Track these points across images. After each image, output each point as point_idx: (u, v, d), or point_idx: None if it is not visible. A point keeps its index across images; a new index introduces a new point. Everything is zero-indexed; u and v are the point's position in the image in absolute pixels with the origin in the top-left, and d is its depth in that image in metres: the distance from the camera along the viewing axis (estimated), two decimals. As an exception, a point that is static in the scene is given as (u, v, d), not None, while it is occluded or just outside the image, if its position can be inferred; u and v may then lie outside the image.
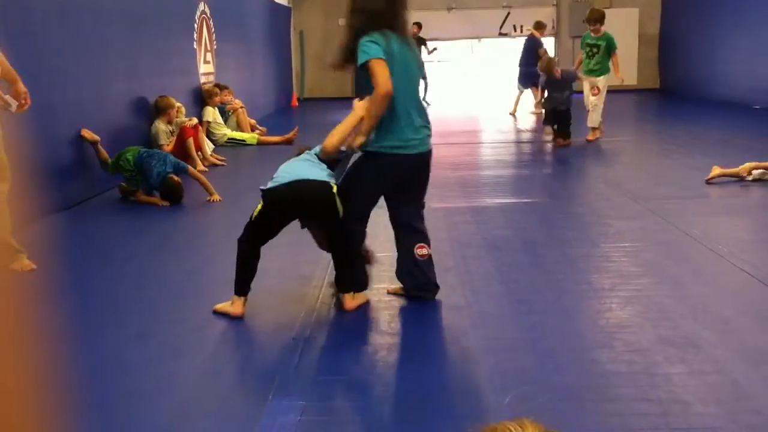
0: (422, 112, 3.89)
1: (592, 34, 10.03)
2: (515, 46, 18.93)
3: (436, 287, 3.98)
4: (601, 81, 10.03)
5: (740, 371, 3.04)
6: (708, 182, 6.91)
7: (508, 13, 18.97)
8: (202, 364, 3.26)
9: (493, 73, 18.32)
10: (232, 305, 3.77)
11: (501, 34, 19.17)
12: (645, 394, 2.85)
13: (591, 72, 10.08)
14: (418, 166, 3.86)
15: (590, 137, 9.95)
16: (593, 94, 10.01)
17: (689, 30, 17.24)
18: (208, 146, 9.30)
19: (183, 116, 8.81)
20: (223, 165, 8.83)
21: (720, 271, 4.43)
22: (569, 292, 4.13)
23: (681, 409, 2.72)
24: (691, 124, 11.89)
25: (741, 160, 7.27)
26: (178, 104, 8.86)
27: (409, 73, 3.82)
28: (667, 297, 3.97)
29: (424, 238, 3.96)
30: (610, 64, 10.02)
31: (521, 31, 19.09)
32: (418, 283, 3.94)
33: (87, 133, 6.82)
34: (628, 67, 18.39)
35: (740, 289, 4.10)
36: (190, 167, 6.89)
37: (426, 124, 3.87)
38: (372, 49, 3.63)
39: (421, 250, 3.92)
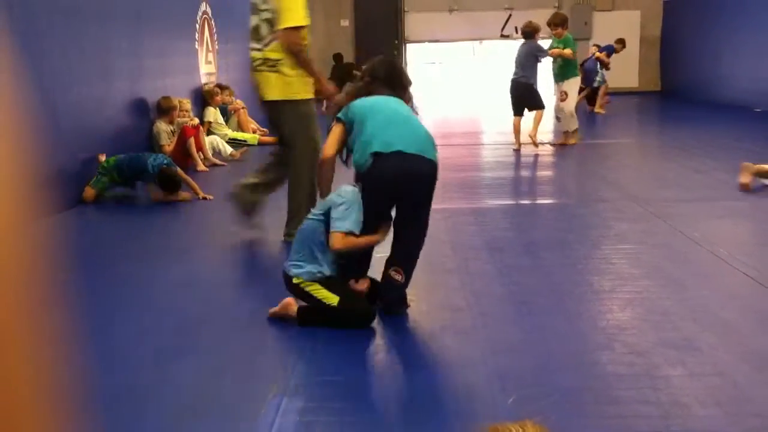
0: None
1: (556, 38, 9.95)
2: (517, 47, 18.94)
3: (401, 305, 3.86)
4: (566, 85, 9.94)
5: (741, 374, 3.04)
6: (744, 188, 6.63)
7: (510, 15, 18.98)
8: (204, 363, 3.26)
9: (494, 75, 18.37)
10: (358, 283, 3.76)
11: (503, 36, 19.19)
12: (645, 397, 2.85)
13: (556, 77, 10.00)
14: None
15: (566, 142, 9.85)
16: (561, 100, 9.91)
17: (691, 32, 17.25)
18: (225, 147, 9.33)
19: (189, 107, 8.90)
20: (224, 165, 8.84)
21: (720, 273, 4.43)
22: (570, 294, 4.14)
23: (681, 412, 2.72)
24: (692, 127, 11.89)
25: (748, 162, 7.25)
26: (184, 99, 8.93)
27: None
28: (668, 299, 3.97)
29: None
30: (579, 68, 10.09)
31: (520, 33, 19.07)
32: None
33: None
34: (629, 69, 18.43)
35: (741, 292, 4.10)
36: (178, 169, 6.85)
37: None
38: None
39: (396, 275, 3.81)
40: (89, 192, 6.73)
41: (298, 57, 4.93)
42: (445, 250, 4.86)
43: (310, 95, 5.07)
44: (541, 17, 18.80)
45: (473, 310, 3.86)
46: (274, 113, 5.07)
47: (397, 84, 4.08)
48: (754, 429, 2.61)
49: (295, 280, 3.68)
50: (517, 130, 9.58)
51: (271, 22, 4.90)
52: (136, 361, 3.29)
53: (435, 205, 3.91)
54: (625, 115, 14.16)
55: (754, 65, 14.28)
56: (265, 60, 4.97)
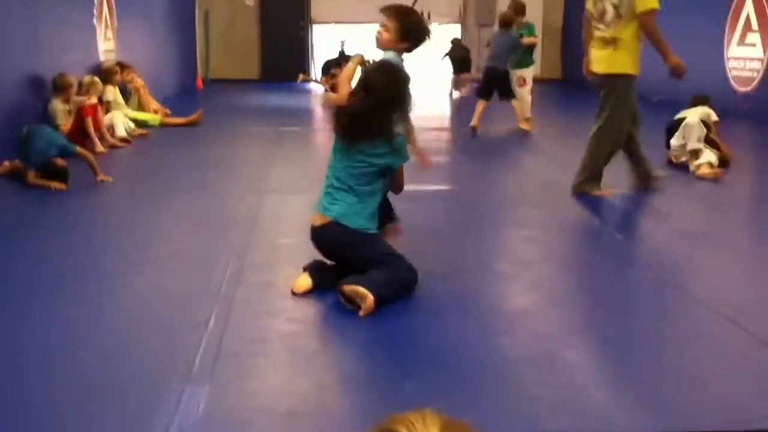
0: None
1: (519, 26, 10.24)
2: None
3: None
4: (526, 72, 10.25)
5: (634, 356, 3.15)
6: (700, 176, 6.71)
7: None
8: (104, 348, 3.17)
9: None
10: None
11: (409, 20, 19.23)
12: (544, 380, 2.92)
13: (517, 64, 10.17)
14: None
15: (526, 127, 10.09)
16: (519, 86, 10.15)
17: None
18: (127, 125, 9.08)
19: (99, 89, 8.73)
20: (124, 146, 8.59)
21: (622, 256, 4.56)
22: (473, 278, 4.19)
23: (576, 394, 2.80)
24: (592, 115, 12.17)
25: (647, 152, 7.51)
26: (94, 78, 8.66)
27: None
28: (569, 284, 4.07)
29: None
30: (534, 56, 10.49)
31: (428, 17, 19.20)
32: None
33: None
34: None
35: (640, 278, 4.25)
36: (78, 148, 6.57)
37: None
38: None
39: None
40: (30, 177, 6.34)
41: (653, 35, 5.80)
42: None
43: (637, 72, 5.96)
44: (446, 2, 19.07)
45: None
46: (606, 84, 5.89)
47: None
48: (644, 408, 2.71)
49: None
50: (480, 112, 9.84)
51: (616, 7, 5.73)
52: (36, 345, 3.17)
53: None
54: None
55: (651, 55, 14.74)
56: (610, 39, 5.80)
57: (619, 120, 5.88)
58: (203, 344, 3.19)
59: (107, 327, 3.46)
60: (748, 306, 3.68)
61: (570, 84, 17.71)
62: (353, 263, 3.77)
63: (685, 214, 5.75)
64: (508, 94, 9.98)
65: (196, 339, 3.24)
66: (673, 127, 7.33)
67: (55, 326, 3.43)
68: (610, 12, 5.79)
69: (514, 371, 3.01)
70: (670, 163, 7.23)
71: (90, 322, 3.51)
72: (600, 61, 5.89)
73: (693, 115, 7.17)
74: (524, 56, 10.24)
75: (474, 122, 9.76)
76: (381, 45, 4.22)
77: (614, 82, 5.82)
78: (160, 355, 3.14)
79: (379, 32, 4.23)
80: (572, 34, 18.79)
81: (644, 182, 6.05)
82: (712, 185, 6.52)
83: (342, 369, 3.11)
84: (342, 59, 17.01)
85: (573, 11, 18.97)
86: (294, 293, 3.78)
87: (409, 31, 4.21)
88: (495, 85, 9.93)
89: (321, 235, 3.86)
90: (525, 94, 10.16)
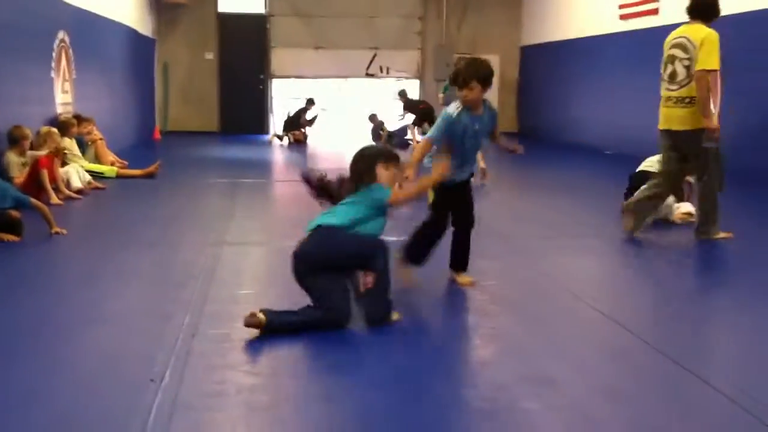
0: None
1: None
2: (381, 86, 19.27)
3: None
4: None
5: (593, 406, 3.15)
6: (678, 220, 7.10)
7: (375, 55, 19.33)
8: (59, 407, 3.08)
9: (360, 111, 18.69)
10: None
11: (368, 75, 19.50)
12: (505, 430, 2.90)
13: None
14: None
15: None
16: None
17: (545, 77, 18.08)
18: (83, 177, 9.00)
19: (58, 140, 8.70)
20: (80, 199, 8.48)
21: (575, 309, 4.60)
22: (432, 330, 4.18)
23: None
24: (548, 167, 12.39)
25: (601, 202, 7.63)
26: (52, 129, 8.62)
27: None
28: (527, 335, 4.08)
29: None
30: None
31: (387, 72, 19.48)
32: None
33: None
34: (489, 110, 19.05)
35: (593, 327, 4.27)
36: (32, 200, 6.48)
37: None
38: None
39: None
40: None
41: (702, 93, 6.05)
42: (278, 288, 4.82)
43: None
44: (405, 58, 19.37)
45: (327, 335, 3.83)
46: (682, 142, 6.32)
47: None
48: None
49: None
50: None
51: (688, 68, 6.15)
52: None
53: (288, 242, 3.87)
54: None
55: (603, 110, 15.09)
56: (687, 98, 6.20)
57: (717, 169, 6.31)
58: (158, 400, 3.12)
59: (62, 385, 3.36)
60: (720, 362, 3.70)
61: (525, 137, 17.99)
62: (328, 265, 4.04)
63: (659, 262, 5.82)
64: None
65: (151, 394, 3.16)
66: (636, 178, 7.44)
67: (8, 385, 3.33)
68: (681, 72, 6.23)
69: (475, 422, 3.00)
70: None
71: (44, 379, 3.41)
72: (681, 119, 6.29)
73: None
74: None
75: None
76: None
77: (700, 136, 6.19)
78: (115, 412, 3.05)
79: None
80: (528, 89, 19.18)
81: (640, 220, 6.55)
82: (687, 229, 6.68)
83: (300, 423, 3.06)
84: (303, 112, 17.23)
85: (528, 67, 19.37)
86: (247, 324, 3.87)
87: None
88: None
89: (302, 247, 4.12)
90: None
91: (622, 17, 14.43)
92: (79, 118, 10.39)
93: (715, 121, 6.13)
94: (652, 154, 7.64)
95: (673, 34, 6.42)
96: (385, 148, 4.92)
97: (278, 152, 15.42)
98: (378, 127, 16.86)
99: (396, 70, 19.54)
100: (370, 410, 3.10)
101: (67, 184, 8.65)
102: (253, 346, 3.84)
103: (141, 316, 4.34)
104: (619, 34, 14.56)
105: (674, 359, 3.64)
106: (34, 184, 7.78)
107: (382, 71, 19.53)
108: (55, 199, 7.93)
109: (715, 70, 6.08)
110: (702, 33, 6.12)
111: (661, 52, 6.51)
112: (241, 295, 4.68)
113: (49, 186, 7.97)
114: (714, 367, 3.70)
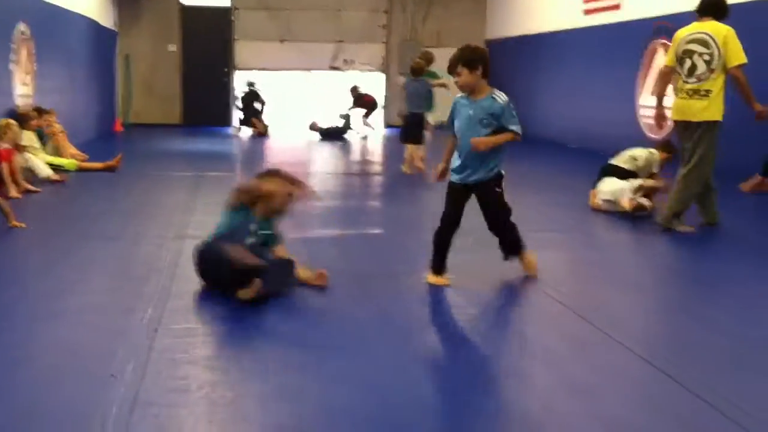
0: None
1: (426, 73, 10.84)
2: (345, 78, 19.19)
3: None
4: (429, 116, 10.83)
5: (557, 399, 3.17)
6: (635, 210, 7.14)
7: (339, 48, 19.27)
8: (18, 404, 3.02)
9: (326, 103, 18.66)
10: None
11: (332, 68, 19.44)
12: (465, 424, 2.91)
13: (425, 108, 10.77)
14: None
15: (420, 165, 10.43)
16: (425, 129, 10.69)
17: (510, 72, 18.12)
18: (43, 168, 8.88)
19: (15, 132, 8.48)
20: (38, 192, 8.33)
21: (540, 303, 4.62)
22: (385, 325, 4.18)
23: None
24: (512, 161, 12.38)
25: (566, 197, 7.68)
26: (11, 121, 8.47)
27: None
28: (492, 329, 4.10)
29: None
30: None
31: (351, 65, 19.43)
32: None
33: None
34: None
35: (557, 320, 4.30)
36: None
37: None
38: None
39: None
40: None
41: (743, 86, 6.39)
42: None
43: (721, 119, 6.44)
44: (370, 50, 19.31)
45: (308, 339, 3.81)
46: (696, 132, 6.46)
47: None
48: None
49: None
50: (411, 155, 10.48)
51: (708, 63, 6.37)
52: None
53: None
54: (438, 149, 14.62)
55: (567, 105, 15.19)
56: (704, 91, 6.40)
57: (710, 162, 6.51)
58: (120, 395, 3.08)
59: (23, 380, 3.30)
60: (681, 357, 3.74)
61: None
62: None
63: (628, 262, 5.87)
64: (419, 137, 10.52)
65: (112, 390, 3.12)
66: (606, 171, 7.60)
67: (-38, 379, 3.27)
68: (701, 66, 6.43)
69: (440, 418, 3.00)
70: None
71: (3, 376, 3.35)
72: (695, 110, 6.47)
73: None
74: (430, 100, 10.78)
75: (407, 167, 10.43)
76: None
77: (710, 128, 6.41)
78: (77, 407, 3.01)
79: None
80: (492, 83, 19.17)
81: (710, 219, 6.76)
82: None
83: (263, 419, 3.03)
84: (254, 97, 17.32)
85: (493, 61, 19.36)
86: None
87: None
88: (412, 129, 10.54)
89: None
90: (429, 136, 10.81)
91: (587, 12, 14.51)
92: (39, 111, 10.22)
93: (759, 105, 6.49)
94: (616, 148, 7.73)
95: (687, 29, 6.57)
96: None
97: (241, 145, 15.33)
98: (312, 128, 16.97)
99: (360, 62, 19.49)
100: (334, 406, 3.09)
101: (29, 176, 8.51)
102: (217, 341, 3.81)
103: (102, 310, 4.28)
104: (583, 29, 14.64)
105: (639, 354, 3.68)
106: (-7, 178, 7.63)
107: (346, 64, 19.48)
108: (14, 192, 7.79)
109: (745, 63, 6.33)
110: (722, 30, 6.36)
111: (624, 46, 6.59)
112: (204, 290, 4.63)
113: (8, 179, 7.82)
114: (679, 360, 3.74)
